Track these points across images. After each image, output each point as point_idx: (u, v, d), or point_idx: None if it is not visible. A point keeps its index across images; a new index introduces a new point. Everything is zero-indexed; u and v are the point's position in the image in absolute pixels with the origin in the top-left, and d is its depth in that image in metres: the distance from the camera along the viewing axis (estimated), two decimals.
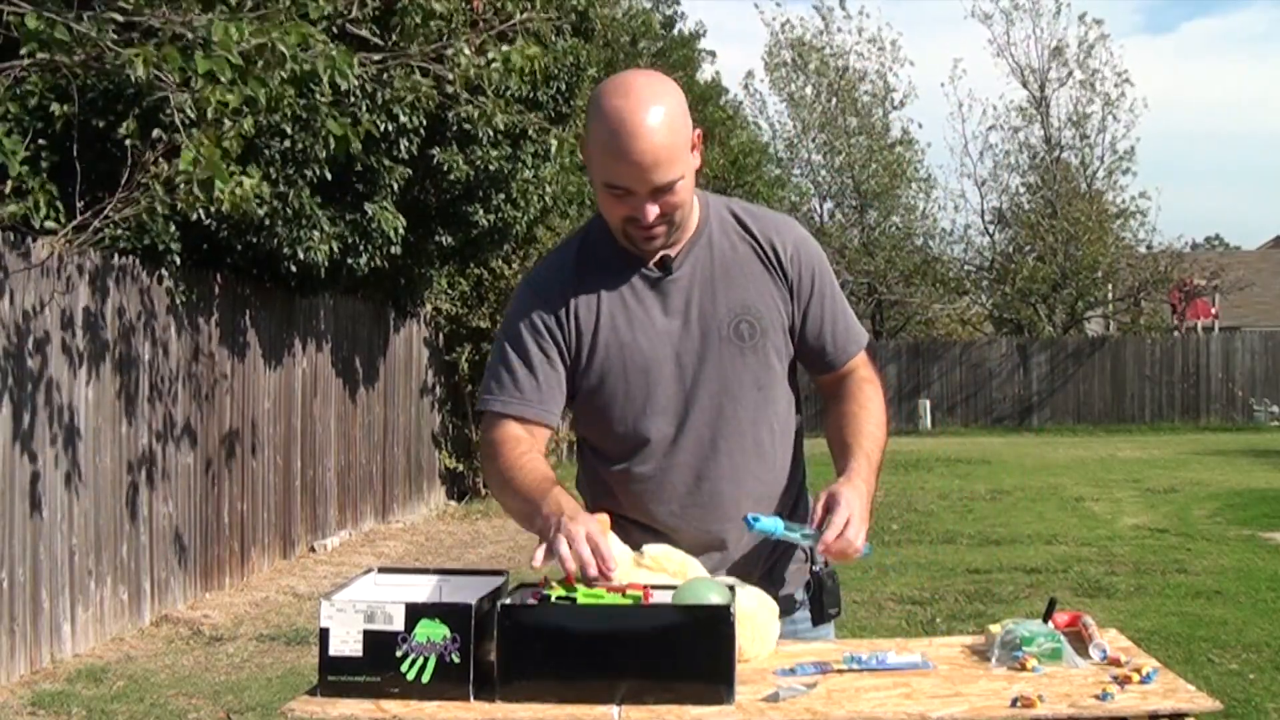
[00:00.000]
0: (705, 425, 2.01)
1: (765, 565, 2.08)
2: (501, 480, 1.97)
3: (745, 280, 2.04)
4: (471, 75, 5.93)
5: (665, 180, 1.89)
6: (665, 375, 2.00)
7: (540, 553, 1.75)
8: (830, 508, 1.87)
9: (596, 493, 2.11)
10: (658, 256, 2.02)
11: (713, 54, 21.48)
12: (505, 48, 5.92)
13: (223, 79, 4.47)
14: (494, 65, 5.87)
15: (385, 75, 7.38)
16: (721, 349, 2.01)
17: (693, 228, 2.04)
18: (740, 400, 2.02)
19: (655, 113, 1.87)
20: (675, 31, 19.60)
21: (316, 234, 7.37)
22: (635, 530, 2.01)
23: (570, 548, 1.73)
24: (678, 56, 18.79)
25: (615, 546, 1.88)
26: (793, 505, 2.11)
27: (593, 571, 1.72)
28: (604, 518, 1.89)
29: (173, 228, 6.55)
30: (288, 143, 6.92)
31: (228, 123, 4.93)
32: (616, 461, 2.04)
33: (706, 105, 19.86)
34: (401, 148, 7.93)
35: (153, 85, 4.61)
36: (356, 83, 6.49)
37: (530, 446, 1.99)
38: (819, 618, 2.09)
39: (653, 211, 1.91)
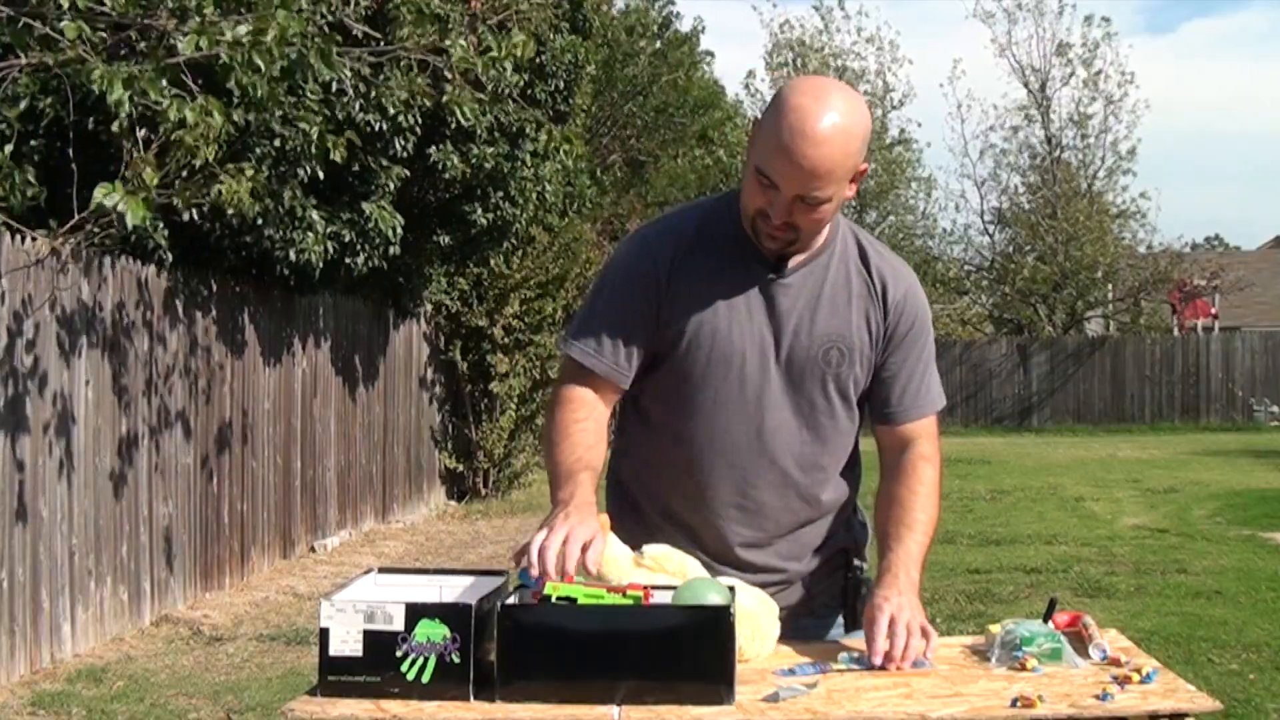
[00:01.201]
0: (769, 434, 2.00)
1: (802, 571, 2.08)
2: (550, 439, 1.99)
3: (849, 310, 2.02)
4: (466, 68, 5.92)
5: (814, 194, 1.86)
6: (746, 375, 1.99)
7: (534, 544, 1.77)
8: (876, 618, 1.83)
9: (636, 467, 2.08)
10: (776, 257, 2.00)
11: (711, 54, 21.42)
12: (492, 42, 5.91)
13: (164, 97, 4.50)
14: (489, 54, 5.87)
15: (380, 75, 7.39)
16: (806, 368, 2.00)
17: (819, 243, 2.01)
18: (809, 420, 2.02)
19: (834, 125, 1.84)
20: (672, 31, 19.54)
21: (311, 236, 7.35)
22: (663, 524, 2.01)
23: (541, 555, 1.74)
24: (674, 56, 18.76)
25: (615, 547, 1.88)
26: (843, 529, 2.12)
27: (552, 578, 1.72)
28: (604, 519, 1.89)
29: (160, 225, 6.54)
30: (277, 141, 6.90)
31: (194, 131, 4.91)
32: (671, 444, 2.03)
33: (709, 110, 19.85)
34: (397, 146, 7.92)
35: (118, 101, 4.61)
36: (348, 75, 6.49)
37: (589, 413, 1.99)
38: (852, 624, 2.09)
39: (784, 215, 1.89)
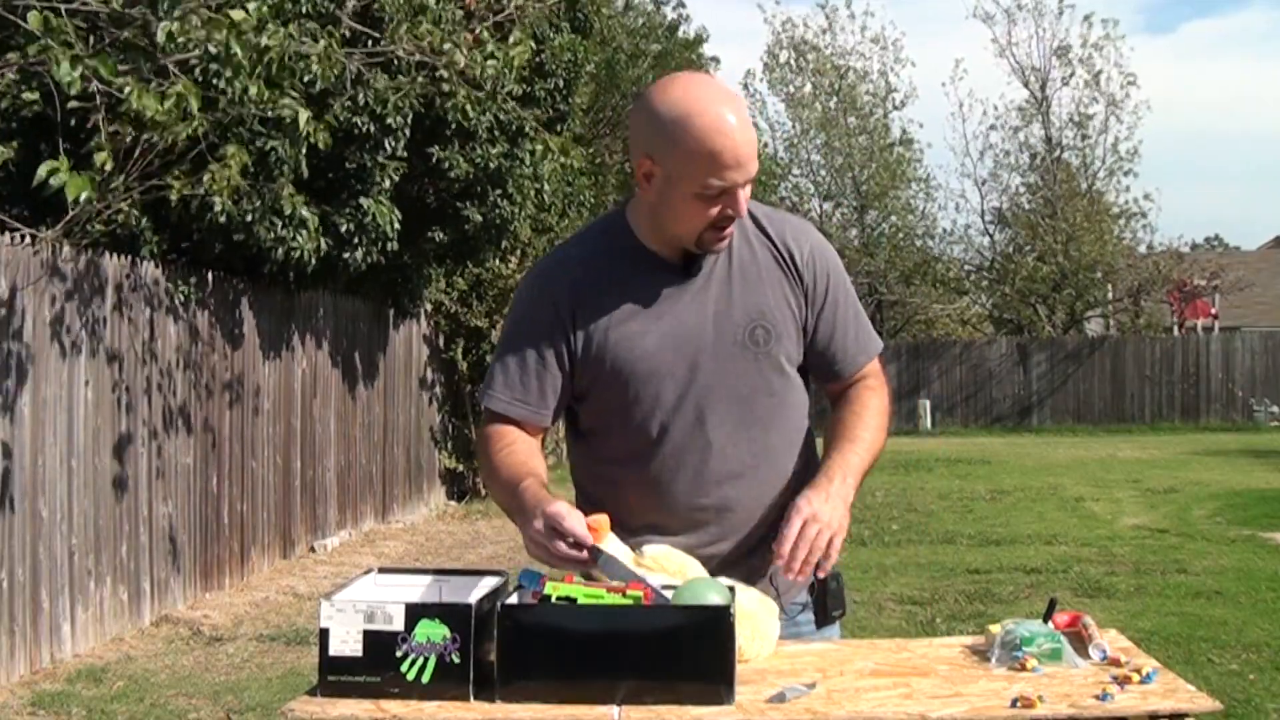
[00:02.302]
0: (715, 429, 2.00)
1: (767, 568, 2.07)
2: (489, 473, 2.02)
3: (762, 285, 2.03)
4: (466, 72, 5.92)
5: (754, 171, 1.91)
6: (677, 377, 1.99)
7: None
8: (790, 519, 1.85)
9: (599, 490, 2.10)
10: (681, 255, 2.00)
11: (716, 60, 21.44)
12: (492, 47, 5.91)
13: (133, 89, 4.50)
14: (490, 62, 5.86)
15: (367, 77, 7.39)
16: (735, 353, 2.00)
17: None
18: (752, 406, 2.02)
19: (739, 107, 1.89)
20: (680, 35, 19.50)
21: (303, 234, 7.33)
22: (640, 530, 2.01)
23: (546, 548, 1.78)
24: (680, 60, 18.73)
25: (615, 546, 1.88)
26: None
27: (580, 557, 1.76)
28: (603, 518, 1.89)
29: (145, 221, 6.55)
30: (261, 141, 6.90)
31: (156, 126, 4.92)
32: (622, 460, 2.04)
33: None
34: (388, 147, 7.91)
35: (84, 92, 4.61)
36: (333, 76, 6.48)
37: (516, 439, 2.01)
38: (822, 620, 2.08)
39: (746, 203, 1.92)
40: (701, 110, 1.86)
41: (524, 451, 2.00)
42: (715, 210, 1.91)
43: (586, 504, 2.13)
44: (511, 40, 6.02)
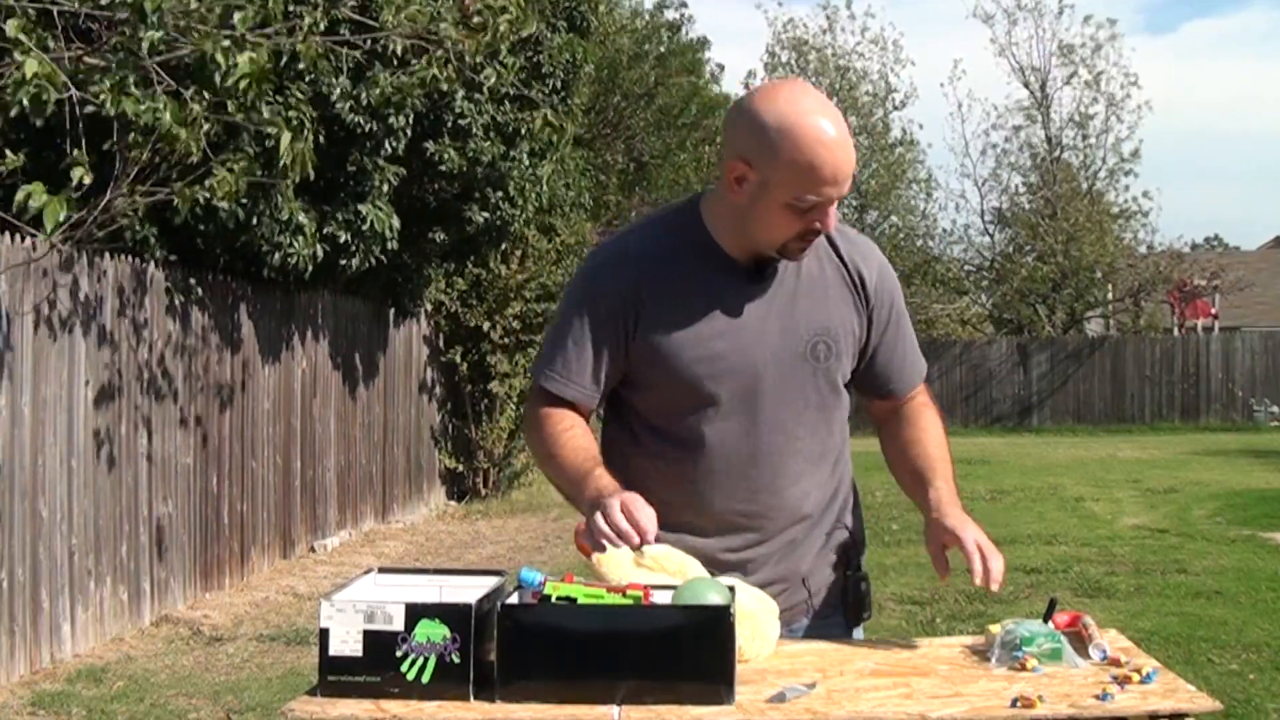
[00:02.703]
0: (763, 436, 2.00)
1: (800, 571, 2.07)
2: (545, 453, 2.01)
3: (827, 301, 2.03)
4: (460, 51, 5.91)
5: (849, 186, 1.92)
6: (735, 380, 1.98)
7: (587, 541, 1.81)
8: (952, 544, 1.93)
9: (634, 482, 2.05)
10: (752, 259, 1.99)
11: (721, 67, 21.46)
12: (483, 19, 5.90)
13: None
14: (483, 38, 5.86)
15: (367, 73, 7.39)
16: (795, 365, 2.00)
17: None
18: (802, 418, 2.02)
19: (841, 121, 1.89)
20: (683, 34, 19.49)
21: (301, 239, 7.33)
22: (671, 529, 1.99)
23: (606, 521, 1.78)
24: (682, 62, 18.74)
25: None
26: (841, 526, 2.13)
27: (634, 541, 1.76)
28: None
29: (152, 225, 6.55)
30: (258, 145, 6.90)
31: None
32: (665, 456, 2.03)
33: (715, 113, 19.85)
34: (389, 146, 7.90)
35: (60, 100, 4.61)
36: (334, 80, 6.47)
37: (573, 422, 2.01)
38: (854, 620, 2.10)
39: (833, 220, 1.92)
40: (805, 122, 1.85)
41: (584, 436, 2.00)
42: (804, 223, 1.91)
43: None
44: (504, 14, 5.99)
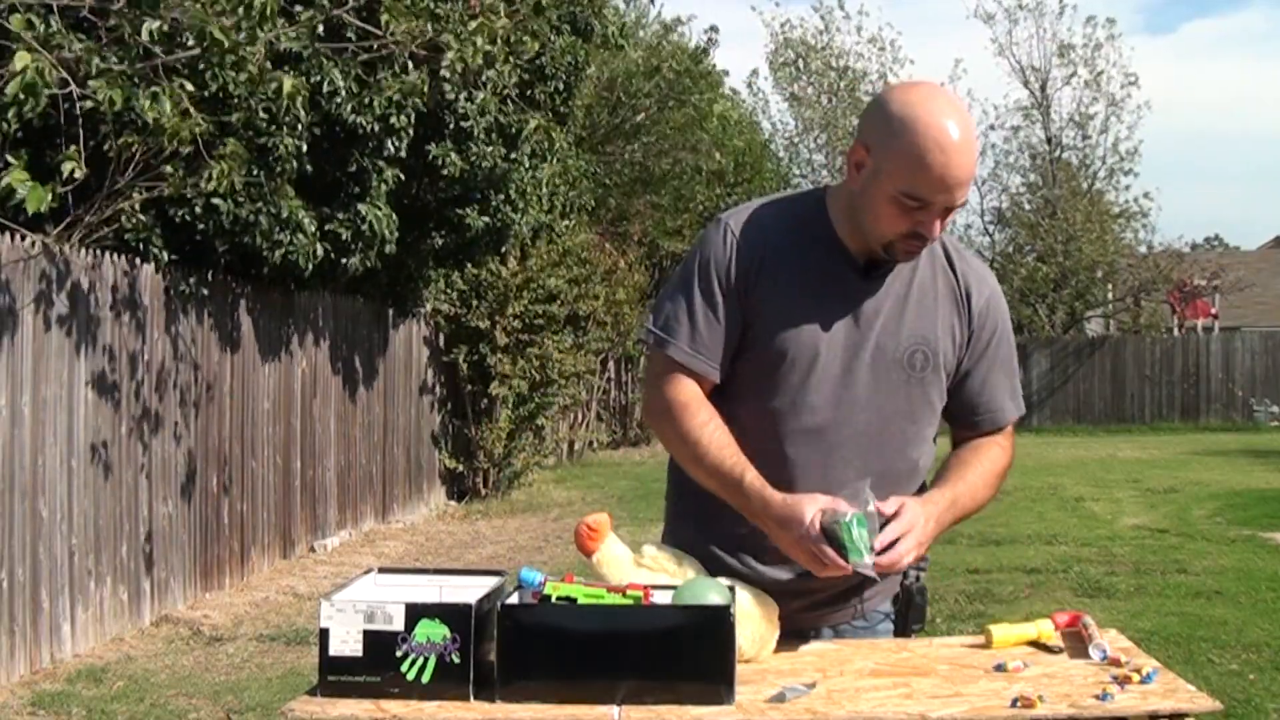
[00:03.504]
0: (848, 438, 1.98)
1: (854, 578, 2.05)
2: (687, 451, 1.97)
3: (935, 313, 2.01)
4: (464, 63, 5.92)
5: (961, 200, 1.88)
6: (829, 374, 1.97)
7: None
8: (902, 517, 1.85)
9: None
10: (867, 256, 1.98)
11: (727, 72, 21.42)
12: (476, 23, 5.91)
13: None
14: (485, 48, 5.86)
15: (373, 75, 7.39)
16: (890, 370, 1.98)
17: None
18: (890, 425, 2.00)
19: (970, 132, 1.87)
20: (688, 42, 19.42)
21: (301, 238, 7.33)
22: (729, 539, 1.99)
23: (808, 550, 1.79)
24: (690, 71, 18.68)
25: (615, 547, 1.88)
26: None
27: (839, 563, 1.77)
28: (603, 518, 1.89)
29: (152, 224, 6.55)
30: (262, 139, 6.90)
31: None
32: (747, 436, 1.97)
33: (716, 117, 19.84)
34: (390, 147, 7.91)
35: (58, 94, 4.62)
36: (339, 79, 6.46)
37: (710, 414, 1.97)
38: (901, 631, 2.09)
39: (939, 229, 1.90)
40: (930, 119, 1.85)
41: (724, 431, 1.96)
42: (910, 222, 1.89)
43: (679, 492, 2.11)
44: (502, 24, 6.01)
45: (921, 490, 2.06)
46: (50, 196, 4.63)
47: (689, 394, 1.98)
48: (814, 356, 1.96)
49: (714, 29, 19.40)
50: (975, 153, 1.88)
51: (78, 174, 4.83)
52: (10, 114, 4.54)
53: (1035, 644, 1.91)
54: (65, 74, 4.64)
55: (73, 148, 4.83)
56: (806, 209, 2.04)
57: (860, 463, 1.97)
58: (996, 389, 2.07)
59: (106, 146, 5.39)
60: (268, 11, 4.82)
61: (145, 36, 4.65)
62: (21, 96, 4.42)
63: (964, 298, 2.03)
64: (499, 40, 6.00)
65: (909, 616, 2.08)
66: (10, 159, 5.00)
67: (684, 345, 1.98)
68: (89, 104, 4.91)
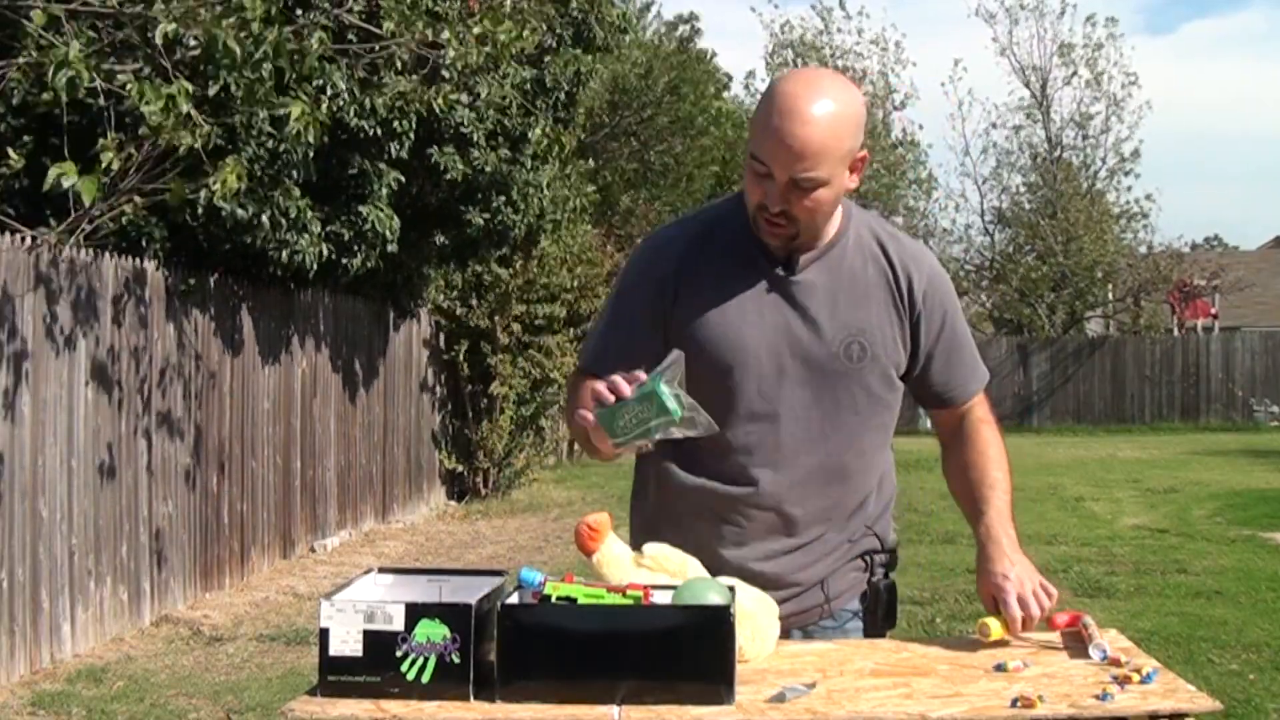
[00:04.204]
0: (792, 435, 1.97)
1: (820, 575, 2.05)
2: (569, 412, 1.99)
3: (868, 302, 2.00)
4: (465, 62, 5.93)
5: (806, 174, 1.85)
6: (763, 375, 1.96)
7: (580, 412, 1.77)
8: (1000, 598, 1.88)
9: (662, 478, 2.06)
10: (786, 255, 1.98)
11: (729, 77, 21.43)
12: (483, 27, 5.91)
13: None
14: (485, 49, 5.86)
15: (376, 77, 7.39)
16: (825, 364, 1.97)
17: (829, 236, 2.00)
18: (833, 419, 1.99)
19: (822, 105, 1.84)
20: (690, 49, 19.40)
21: (305, 238, 7.34)
22: (696, 528, 1.98)
23: (606, 386, 1.74)
24: (693, 73, 18.66)
25: (615, 547, 1.88)
26: (868, 533, 2.09)
27: (622, 387, 1.72)
28: (603, 517, 1.89)
29: (157, 221, 6.55)
30: (269, 143, 6.90)
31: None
32: (696, 448, 1.97)
33: (721, 123, 19.83)
34: (392, 150, 7.92)
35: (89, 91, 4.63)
36: (341, 81, 6.45)
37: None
38: (871, 630, 2.08)
39: (781, 202, 1.88)
40: (785, 89, 1.87)
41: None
42: (760, 192, 1.90)
43: (642, 502, 2.12)
44: (505, 26, 6.01)
45: (886, 472, 2.10)
46: (98, 187, 4.66)
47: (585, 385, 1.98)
48: (745, 359, 1.96)
49: (694, 16, 19.39)
50: (826, 127, 1.83)
51: (115, 165, 4.84)
52: (47, 99, 4.56)
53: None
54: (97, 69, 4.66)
55: (111, 137, 4.84)
56: (721, 213, 2.06)
57: (809, 458, 1.98)
58: (960, 365, 2.08)
59: (100, 144, 5.40)
60: (270, 13, 4.81)
61: (159, 39, 4.65)
62: (63, 89, 4.44)
63: (901, 284, 2.02)
64: (498, 42, 5.99)
65: (879, 615, 2.08)
66: (12, 161, 5.01)
67: (596, 357, 2.02)
68: (119, 98, 4.93)
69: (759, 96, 1.87)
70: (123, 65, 4.87)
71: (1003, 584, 1.88)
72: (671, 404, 1.69)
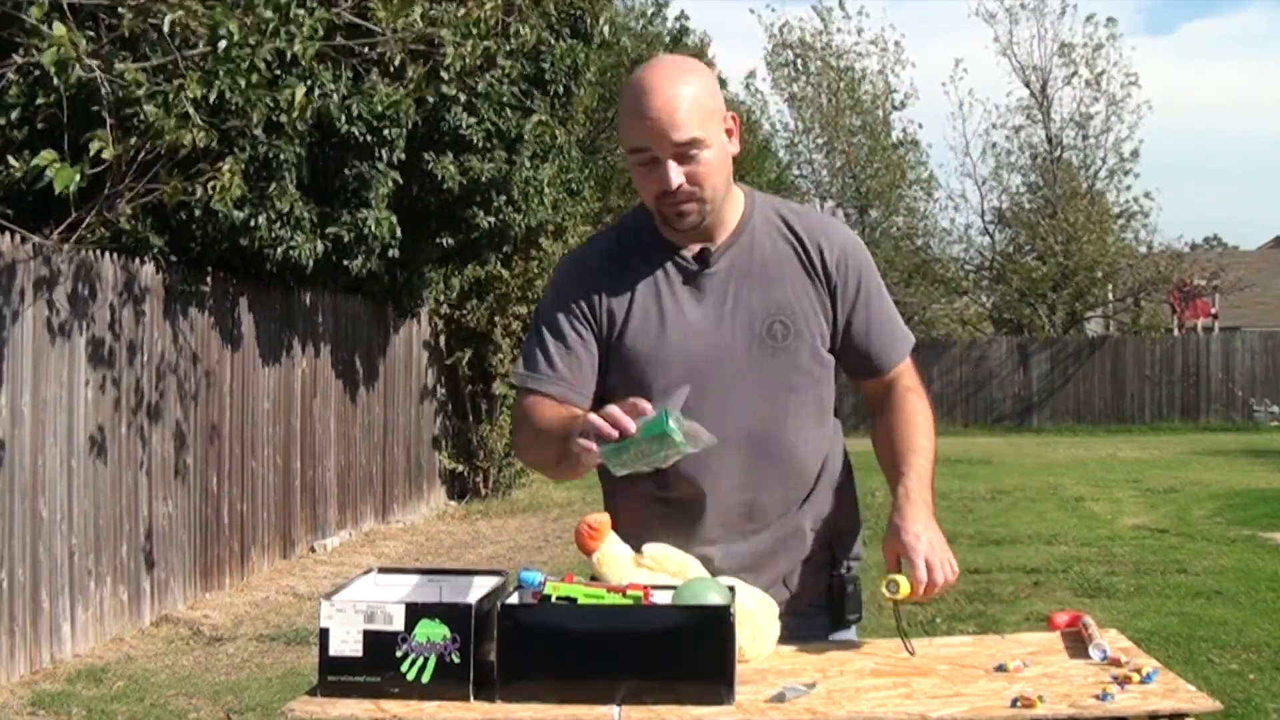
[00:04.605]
0: (733, 423, 1.98)
1: (783, 568, 2.06)
2: (533, 434, 1.97)
3: (784, 280, 2.02)
4: (463, 60, 5.92)
5: (684, 137, 1.89)
6: (694, 369, 1.98)
7: (580, 441, 1.74)
8: (908, 556, 1.88)
9: (618, 495, 2.07)
10: (696, 249, 2.01)
11: (723, 82, 21.41)
12: (485, 43, 5.91)
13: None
14: (483, 44, 5.86)
15: (365, 81, 7.39)
16: (753, 348, 2.00)
17: (734, 224, 2.03)
18: (771, 400, 2.00)
19: (677, 76, 1.92)
20: (684, 40, 19.37)
21: (300, 234, 7.34)
22: (659, 528, 1.99)
23: (604, 418, 1.73)
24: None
25: (615, 547, 1.88)
26: (828, 525, 2.10)
27: (626, 423, 1.71)
28: (604, 518, 1.89)
29: (153, 222, 6.56)
30: (262, 149, 6.92)
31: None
32: None
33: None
34: (384, 157, 7.92)
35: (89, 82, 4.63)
36: (330, 83, 6.43)
37: (552, 404, 1.99)
38: (838, 623, 2.09)
39: (676, 176, 1.91)
40: (635, 79, 1.94)
41: (564, 407, 1.97)
42: (654, 183, 1.94)
43: (611, 512, 2.12)
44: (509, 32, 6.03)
45: (837, 451, 2.11)
46: (79, 176, 4.63)
47: (538, 401, 2.00)
48: (674, 356, 1.98)
49: (683, 15, 19.42)
50: (684, 95, 1.90)
51: (106, 154, 4.82)
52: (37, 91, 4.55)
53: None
54: (88, 59, 4.64)
55: (103, 128, 4.82)
56: (630, 224, 2.10)
57: (750, 444, 1.99)
58: (881, 331, 2.09)
59: (92, 133, 5.39)
60: (280, 5, 4.81)
61: (167, 27, 4.64)
62: (53, 68, 4.41)
63: (813, 255, 2.05)
64: (494, 34, 5.99)
65: (844, 607, 2.09)
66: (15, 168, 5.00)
67: (536, 375, 2.02)
68: (116, 87, 4.91)
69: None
70: (124, 65, 4.85)
71: (913, 543, 1.89)
72: (680, 439, 1.70)
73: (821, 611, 2.09)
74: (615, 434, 1.71)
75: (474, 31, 5.96)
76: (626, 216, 2.14)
